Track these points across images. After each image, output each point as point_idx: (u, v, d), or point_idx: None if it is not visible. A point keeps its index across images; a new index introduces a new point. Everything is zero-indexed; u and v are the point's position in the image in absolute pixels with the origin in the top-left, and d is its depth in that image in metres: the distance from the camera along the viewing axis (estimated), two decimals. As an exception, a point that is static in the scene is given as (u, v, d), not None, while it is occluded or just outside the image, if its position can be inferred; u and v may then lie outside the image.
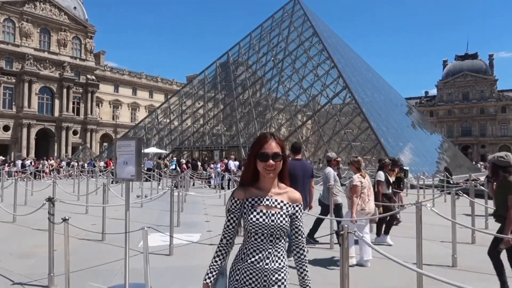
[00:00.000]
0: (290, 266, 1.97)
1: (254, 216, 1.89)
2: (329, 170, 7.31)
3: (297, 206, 1.97)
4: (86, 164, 33.13)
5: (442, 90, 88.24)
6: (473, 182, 10.50)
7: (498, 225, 4.50)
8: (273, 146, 1.93)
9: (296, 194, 1.99)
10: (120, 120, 59.55)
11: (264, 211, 1.89)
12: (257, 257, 1.87)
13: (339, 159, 8.22)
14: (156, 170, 21.15)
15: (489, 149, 79.44)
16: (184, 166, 25.44)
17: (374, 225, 7.80)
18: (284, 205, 1.93)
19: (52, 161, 33.54)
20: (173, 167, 26.22)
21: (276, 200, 1.93)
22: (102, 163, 32.94)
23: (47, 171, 28.62)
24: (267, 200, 1.92)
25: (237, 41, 39.90)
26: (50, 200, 4.92)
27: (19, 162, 30.11)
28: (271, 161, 1.90)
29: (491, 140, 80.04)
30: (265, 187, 1.96)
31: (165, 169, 23.58)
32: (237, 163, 21.82)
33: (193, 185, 20.00)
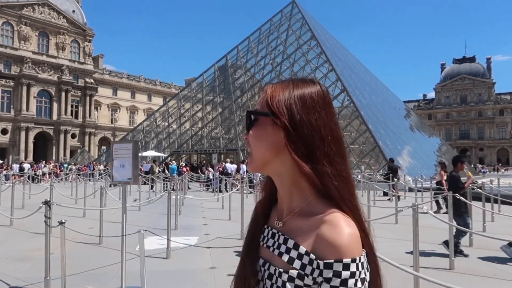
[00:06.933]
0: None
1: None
2: None
3: (327, 265, 0.77)
4: (82, 168, 33.10)
5: (440, 93, 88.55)
6: (470, 185, 10.61)
7: (495, 227, 4.51)
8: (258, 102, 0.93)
9: (339, 233, 0.79)
10: (119, 123, 59.55)
11: (262, 260, 0.89)
12: None
13: None
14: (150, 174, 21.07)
15: (487, 152, 79.72)
16: (184, 169, 25.44)
17: None
18: (298, 255, 0.81)
19: (51, 165, 33.47)
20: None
21: (280, 239, 0.87)
22: (101, 167, 32.88)
23: (47, 173, 28.55)
24: (268, 234, 0.91)
25: (235, 45, 40.00)
26: (47, 203, 4.90)
27: (15, 166, 30.04)
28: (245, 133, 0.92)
29: (489, 143, 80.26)
30: (280, 202, 0.94)
31: (159, 173, 23.42)
32: (235, 166, 21.81)
33: (189, 188, 19.97)
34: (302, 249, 0.81)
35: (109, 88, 59.48)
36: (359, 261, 0.77)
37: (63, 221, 4.44)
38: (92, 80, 55.42)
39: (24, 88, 47.79)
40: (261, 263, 0.87)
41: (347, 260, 0.76)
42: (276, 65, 35.52)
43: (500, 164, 67.46)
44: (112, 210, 9.42)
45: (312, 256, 0.79)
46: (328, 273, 0.76)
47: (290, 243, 0.83)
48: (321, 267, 0.77)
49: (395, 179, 15.36)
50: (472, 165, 52.06)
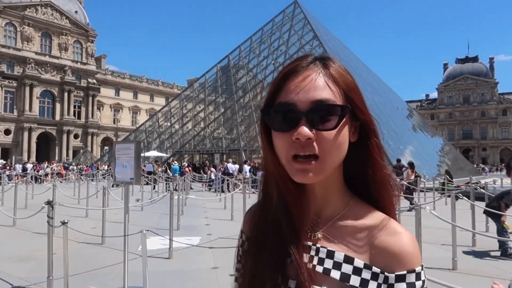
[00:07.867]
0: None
1: None
2: None
3: (399, 278, 0.67)
4: (85, 168, 33.19)
5: (442, 93, 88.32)
6: (473, 185, 10.63)
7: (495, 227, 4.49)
8: (314, 84, 0.68)
9: (403, 241, 0.69)
10: (121, 123, 59.65)
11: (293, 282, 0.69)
12: None
13: None
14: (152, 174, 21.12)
15: (490, 152, 79.40)
16: (186, 169, 25.48)
17: None
18: (354, 270, 0.68)
19: (54, 165, 33.54)
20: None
21: (321, 253, 0.71)
22: (105, 167, 32.94)
23: (49, 174, 28.63)
24: (308, 247, 0.72)
25: (237, 45, 40.03)
26: (50, 203, 4.91)
27: (18, 166, 30.14)
28: (304, 129, 0.65)
29: (492, 143, 79.97)
30: (308, 211, 0.76)
31: (160, 171, 23.41)
32: (237, 166, 21.80)
33: (191, 188, 20.04)
34: (359, 262, 0.68)
35: (111, 88, 59.61)
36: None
37: (66, 221, 4.45)
38: (94, 81, 55.55)
39: (27, 88, 47.94)
40: (293, 285, 0.68)
41: (418, 269, 0.68)
42: (278, 65, 35.46)
43: (503, 164, 67.27)
44: (115, 210, 9.44)
45: (376, 269, 0.68)
46: (400, 287, 0.66)
47: (339, 256, 0.69)
48: (391, 280, 0.67)
49: (398, 179, 15.41)
50: (475, 165, 51.89)
